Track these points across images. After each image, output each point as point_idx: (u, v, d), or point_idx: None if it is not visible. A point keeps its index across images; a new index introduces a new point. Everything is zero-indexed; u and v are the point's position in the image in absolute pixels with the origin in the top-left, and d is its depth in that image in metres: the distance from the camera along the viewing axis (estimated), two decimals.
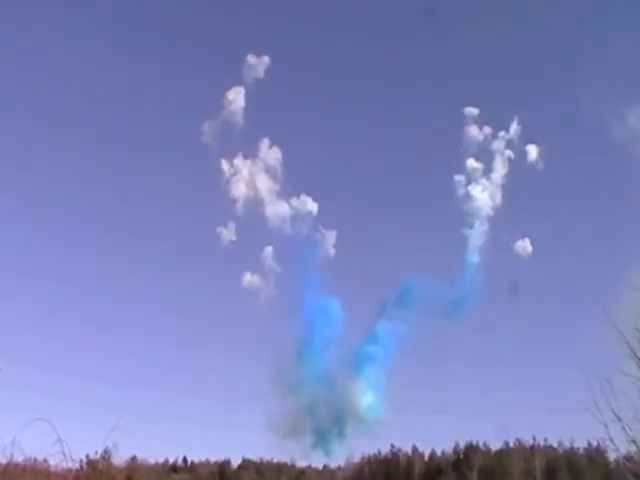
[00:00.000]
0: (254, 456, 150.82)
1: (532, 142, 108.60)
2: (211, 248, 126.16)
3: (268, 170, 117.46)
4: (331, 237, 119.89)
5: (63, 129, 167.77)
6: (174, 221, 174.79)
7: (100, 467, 63.02)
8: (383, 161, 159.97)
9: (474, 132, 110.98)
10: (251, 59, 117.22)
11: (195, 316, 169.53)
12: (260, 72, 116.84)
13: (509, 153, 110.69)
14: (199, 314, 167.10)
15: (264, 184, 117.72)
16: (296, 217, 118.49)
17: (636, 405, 13.13)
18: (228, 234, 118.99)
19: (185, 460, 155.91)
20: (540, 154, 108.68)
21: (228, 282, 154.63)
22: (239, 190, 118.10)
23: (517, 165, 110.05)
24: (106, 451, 64.22)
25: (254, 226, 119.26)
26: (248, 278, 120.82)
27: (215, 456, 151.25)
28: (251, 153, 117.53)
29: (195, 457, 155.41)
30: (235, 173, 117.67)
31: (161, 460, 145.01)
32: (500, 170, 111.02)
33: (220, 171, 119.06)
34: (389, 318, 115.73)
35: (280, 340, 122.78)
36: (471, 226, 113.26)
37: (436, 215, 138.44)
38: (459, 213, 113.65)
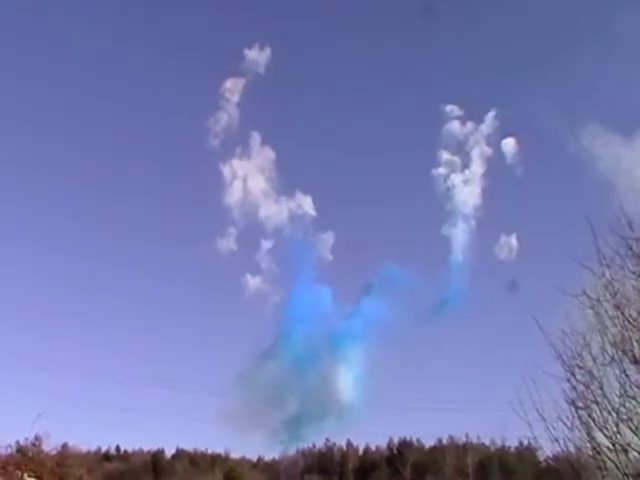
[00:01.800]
0: (188, 446, 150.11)
1: (510, 136, 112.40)
2: (210, 254, 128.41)
3: (264, 170, 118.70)
4: (327, 237, 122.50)
5: (57, 130, 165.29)
6: (172, 225, 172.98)
7: (30, 454, 61.95)
8: (373, 158, 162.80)
9: (456, 128, 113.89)
10: (251, 53, 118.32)
11: (181, 312, 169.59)
12: (261, 66, 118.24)
13: (487, 150, 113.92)
14: (187, 311, 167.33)
15: (260, 185, 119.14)
16: (292, 216, 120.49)
17: (560, 406, 13.34)
18: (227, 242, 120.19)
19: (118, 448, 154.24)
20: (518, 149, 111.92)
21: (225, 283, 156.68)
22: (236, 193, 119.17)
23: (496, 161, 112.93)
24: (36, 437, 63.12)
25: (252, 228, 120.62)
26: (248, 279, 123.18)
27: (150, 445, 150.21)
28: (247, 153, 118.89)
29: (128, 446, 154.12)
30: (232, 175, 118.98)
31: (93, 448, 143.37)
32: (480, 166, 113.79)
33: (218, 173, 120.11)
34: (370, 300, 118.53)
35: (260, 332, 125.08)
36: (454, 224, 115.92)
37: (425, 212, 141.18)
38: (443, 210, 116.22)
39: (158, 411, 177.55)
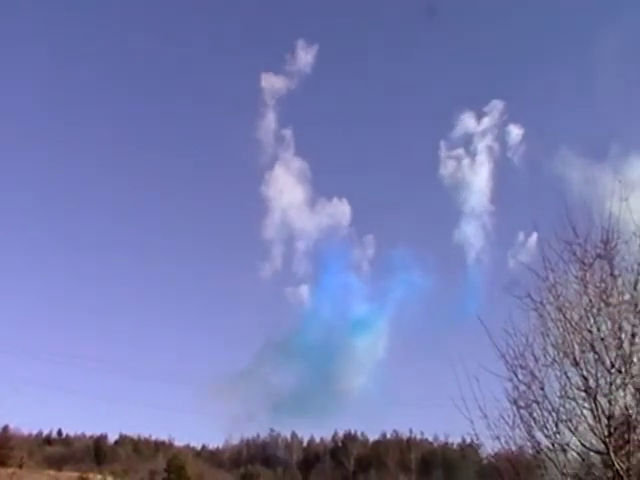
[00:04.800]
0: (132, 432, 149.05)
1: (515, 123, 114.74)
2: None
3: (301, 179, 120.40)
4: (362, 240, 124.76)
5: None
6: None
7: None
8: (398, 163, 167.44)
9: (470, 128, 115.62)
10: (298, 53, 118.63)
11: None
12: (307, 65, 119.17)
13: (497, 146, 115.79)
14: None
15: (299, 193, 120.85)
16: (328, 222, 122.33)
17: (502, 404, 13.63)
18: (270, 268, 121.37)
19: (60, 432, 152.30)
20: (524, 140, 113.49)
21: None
22: (277, 205, 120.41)
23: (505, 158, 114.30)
24: None
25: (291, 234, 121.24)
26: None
27: (93, 429, 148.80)
28: (285, 162, 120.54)
29: (70, 430, 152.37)
30: (272, 186, 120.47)
31: (34, 431, 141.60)
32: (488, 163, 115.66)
33: (257, 184, 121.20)
34: (390, 298, 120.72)
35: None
36: (468, 222, 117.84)
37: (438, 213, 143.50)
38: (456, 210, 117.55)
39: (103, 396, 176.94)
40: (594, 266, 13.57)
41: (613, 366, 12.85)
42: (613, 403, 12.68)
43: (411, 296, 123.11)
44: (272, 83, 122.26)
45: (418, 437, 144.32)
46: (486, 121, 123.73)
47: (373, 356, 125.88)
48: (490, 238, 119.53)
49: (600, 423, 12.61)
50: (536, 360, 13.47)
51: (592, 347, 13.04)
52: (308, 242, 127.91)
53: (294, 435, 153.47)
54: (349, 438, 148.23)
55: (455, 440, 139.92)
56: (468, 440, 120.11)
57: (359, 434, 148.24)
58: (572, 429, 13.01)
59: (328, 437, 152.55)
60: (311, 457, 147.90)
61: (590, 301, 13.37)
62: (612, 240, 13.60)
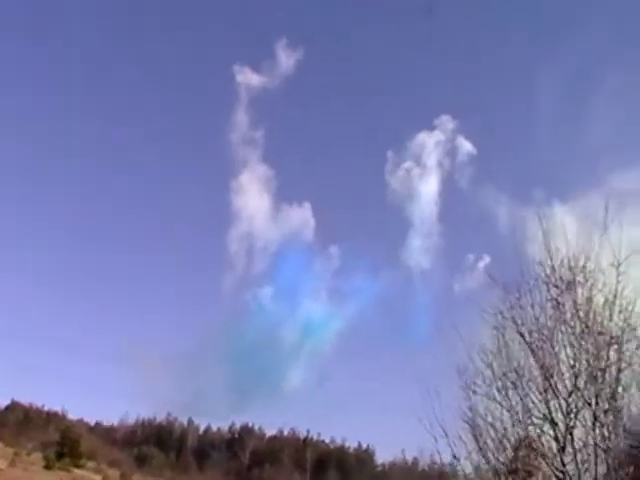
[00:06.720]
0: (23, 400, 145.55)
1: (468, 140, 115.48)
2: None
3: (267, 186, 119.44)
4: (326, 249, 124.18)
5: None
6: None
7: None
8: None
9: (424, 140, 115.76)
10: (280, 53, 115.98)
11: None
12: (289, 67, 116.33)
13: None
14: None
15: (265, 198, 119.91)
16: (291, 227, 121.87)
17: (459, 423, 13.39)
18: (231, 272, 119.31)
19: None
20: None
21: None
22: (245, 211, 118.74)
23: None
24: None
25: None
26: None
27: None
28: (252, 170, 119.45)
29: None
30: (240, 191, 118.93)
31: None
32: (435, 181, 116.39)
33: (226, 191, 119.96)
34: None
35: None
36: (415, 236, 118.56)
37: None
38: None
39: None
40: (563, 293, 13.38)
41: (570, 395, 12.71)
42: (571, 430, 12.51)
43: (363, 306, 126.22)
44: (249, 79, 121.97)
45: (315, 437, 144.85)
46: (437, 134, 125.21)
47: (314, 359, 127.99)
48: (439, 257, 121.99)
49: (559, 451, 12.44)
50: (494, 379, 13.27)
51: (550, 374, 12.88)
52: (269, 246, 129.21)
53: (191, 421, 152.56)
54: (245, 430, 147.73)
55: (352, 444, 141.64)
56: (364, 447, 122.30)
57: (256, 428, 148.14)
58: (528, 451, 12.86)
59: (225, 427, 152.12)
60: (206, 446, 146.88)
61: (552, 327, 13.20)
62: (578, 271, 13.40)
